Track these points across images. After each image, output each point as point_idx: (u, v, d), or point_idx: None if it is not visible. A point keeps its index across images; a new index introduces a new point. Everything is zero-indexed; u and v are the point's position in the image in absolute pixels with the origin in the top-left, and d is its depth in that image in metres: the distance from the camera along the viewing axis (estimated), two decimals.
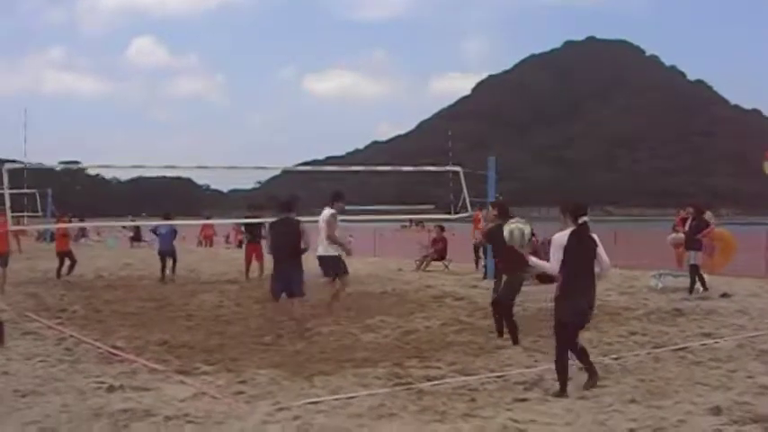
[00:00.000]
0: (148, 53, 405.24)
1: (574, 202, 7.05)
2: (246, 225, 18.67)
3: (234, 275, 18.05)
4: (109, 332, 10.22)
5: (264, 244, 11.45)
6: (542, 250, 16.18)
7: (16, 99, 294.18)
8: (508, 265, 9.05)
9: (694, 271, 13.85)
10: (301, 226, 10.26)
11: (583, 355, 7.03)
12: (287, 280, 10.01)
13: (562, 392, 6.72)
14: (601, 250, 6.92)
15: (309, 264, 10.59)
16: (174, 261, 17.84)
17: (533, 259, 7.16)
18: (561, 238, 6.77)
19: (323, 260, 11.15)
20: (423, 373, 7.66)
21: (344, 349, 9.02)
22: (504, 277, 9.22)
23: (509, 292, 9.19)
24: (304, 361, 8.29)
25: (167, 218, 19.14)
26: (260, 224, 17.26)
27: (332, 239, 11.02)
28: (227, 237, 36.65)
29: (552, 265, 6.82)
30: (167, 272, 17.61)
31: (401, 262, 21.89)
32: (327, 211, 11.11)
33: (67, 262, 18.00)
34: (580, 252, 6.76)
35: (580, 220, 6.78)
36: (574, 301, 6.74)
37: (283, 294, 10.12)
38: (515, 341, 9.07)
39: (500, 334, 9.41)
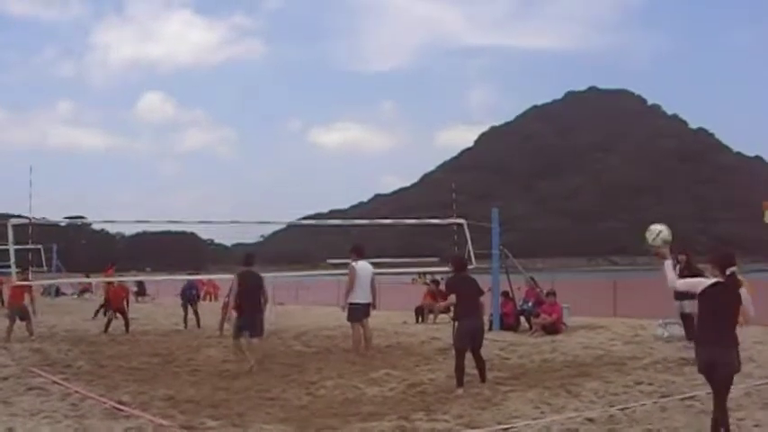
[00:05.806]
0: (156, 108, 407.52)
1: (722, 252, 6.84)
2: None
3: None
4: (114, 387, 10.22)
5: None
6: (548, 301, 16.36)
7: (23, 154, 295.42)
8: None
9: (689, 320, 13.70)
10: (264, 279, 12.66)
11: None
12: (252, 322, 12.00)
13: None
14: (747, 304, 6.72)
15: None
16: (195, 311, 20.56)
17: (679, 282, 7.09)
18: (705, 280, 6.66)
19: None
20: (429, 426, 7.64)
21: (350, 403, 9.00)
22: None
23: None
24: (309, 415, 8.28)
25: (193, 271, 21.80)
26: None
27: None
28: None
29: (683, 283, 7.07)
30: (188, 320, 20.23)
31: (406, 315, 21.81)
32: None
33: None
34: (722, 303, 6.48)
35: (728, 271, 6.52)
36: (701, 349, 6.49)
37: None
38: None
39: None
